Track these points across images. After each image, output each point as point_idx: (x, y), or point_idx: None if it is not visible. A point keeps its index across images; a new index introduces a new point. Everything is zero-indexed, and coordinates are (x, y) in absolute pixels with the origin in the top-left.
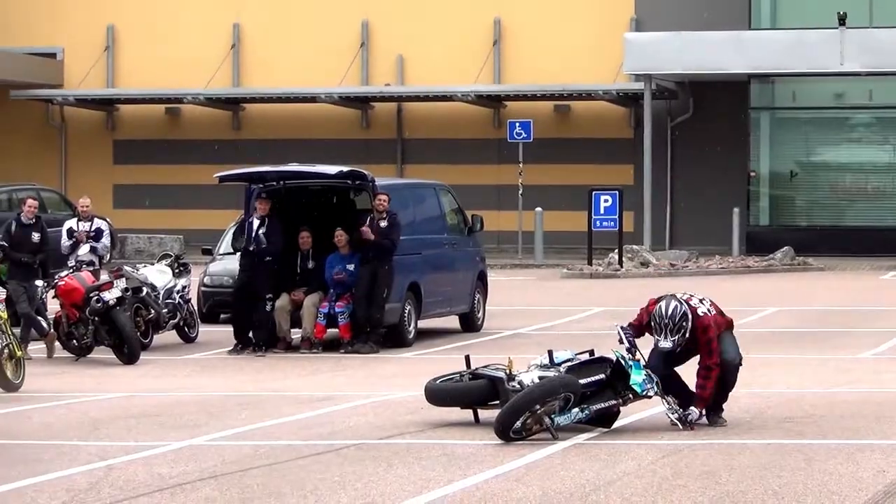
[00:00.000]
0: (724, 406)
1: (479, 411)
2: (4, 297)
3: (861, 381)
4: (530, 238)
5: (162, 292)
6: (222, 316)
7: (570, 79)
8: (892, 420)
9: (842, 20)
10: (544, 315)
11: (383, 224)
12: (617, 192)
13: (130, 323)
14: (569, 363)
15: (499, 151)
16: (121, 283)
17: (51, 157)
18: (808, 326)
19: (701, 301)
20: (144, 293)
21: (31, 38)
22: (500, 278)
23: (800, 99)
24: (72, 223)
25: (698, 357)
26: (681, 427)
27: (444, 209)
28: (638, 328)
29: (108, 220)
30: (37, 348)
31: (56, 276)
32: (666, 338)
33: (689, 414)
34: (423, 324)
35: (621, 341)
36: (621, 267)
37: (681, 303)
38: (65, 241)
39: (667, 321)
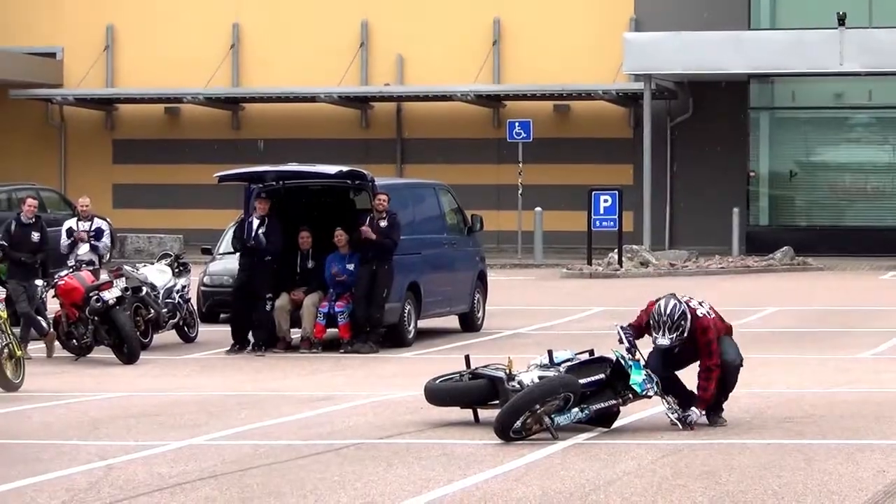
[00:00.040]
0: (724, 406)
1: (479, 411)
2: (4, 296)
3: (861, 380)
4: (530, 238)
5: (161, 292)
6: (222, 315)
7: (569, 79)
8: (892, 420)
9: (841, 20)
10: (544, 315)
11: (383, 224)
12: (616, 191)
13: (130, 322)
14: (568, 363)
15: (498, 151)
16: (120, 283)
17: (50, 157)
18: (807, 326)
19: (700, 304)
20: (144, 293)
21: (31, 37)
22: (500, 278)
23: (799, 99)
24: (71, 223)
25: (699, 360)
26: (680, 427)
27: (443, 209)
28: (638, 329)
29: (107, 219)
30: (36, 348)
31: (56, 276)
32: (664, 335)
33: (690, 415)
34: (422, 323)
35: (621, 341)
36: (621, 267)
37: (680, 302)
38: (64, 241)
39: (665, 318)
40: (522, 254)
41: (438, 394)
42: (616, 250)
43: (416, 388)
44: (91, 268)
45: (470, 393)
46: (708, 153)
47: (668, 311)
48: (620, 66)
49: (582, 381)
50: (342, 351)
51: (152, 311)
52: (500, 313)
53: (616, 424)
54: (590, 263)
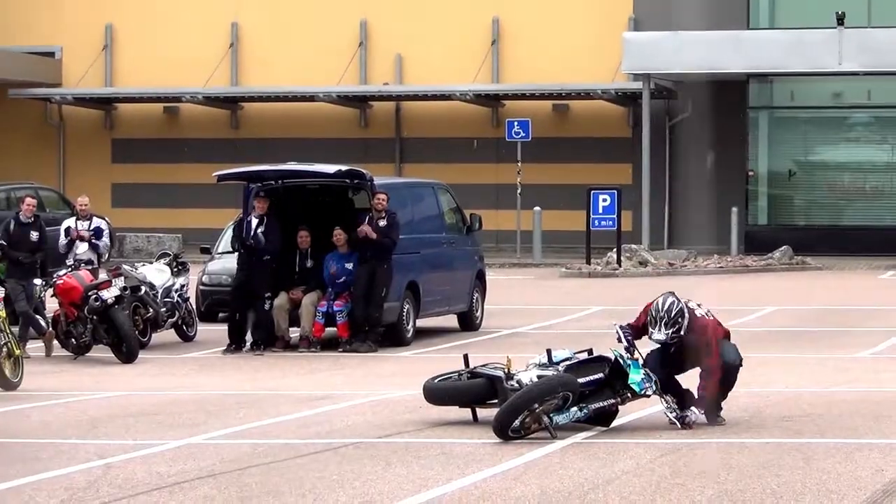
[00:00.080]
0: (723, 405)
1: (478, 410)
2: (3, 295)
3: (859, 380)
4: (529, 237)
5: (160, 291)
6: (221, 315)
7: (568, 78)
8: (891, 419)
9: (840, 20)
10: (543, 314)
11: (382, 223)
12: (615, 191)
13: (129, 322)
14: (567, 362)
15: (497, 151)
16: (119, 282)
17: (49, 156)
18: (806, 326)
19: (699, 306)
20: (143, 292)
21: (30, 36)
22: (499, 277)
23: (798, 98)
24: (70, 222)
25: (699, 360)
26: (679, 426)
27: (442, 208)
28: (637, 329)
29: (106, 218)
30: (35, 347)
31: (54, 275)
32: (660, 330)
33: (688, 414)
34: (421, 323)
35: (620, 340)
36: (619, 266)
37: (678, 299)
38: (62, 240)
39: (662, 314)
40: (521, 253)
41: (437, 393)
42: (615, 250)
43: (415, 387)
44: (90, 267)
45: (469, 392)
46: (707, 152)
47: (665, 307)
48: (619, 66)
49: (581, 380)
50: (341, 350)
51: (151, 310)
52: (498, 312)
53: (615, 423)
54: (588, 263)
